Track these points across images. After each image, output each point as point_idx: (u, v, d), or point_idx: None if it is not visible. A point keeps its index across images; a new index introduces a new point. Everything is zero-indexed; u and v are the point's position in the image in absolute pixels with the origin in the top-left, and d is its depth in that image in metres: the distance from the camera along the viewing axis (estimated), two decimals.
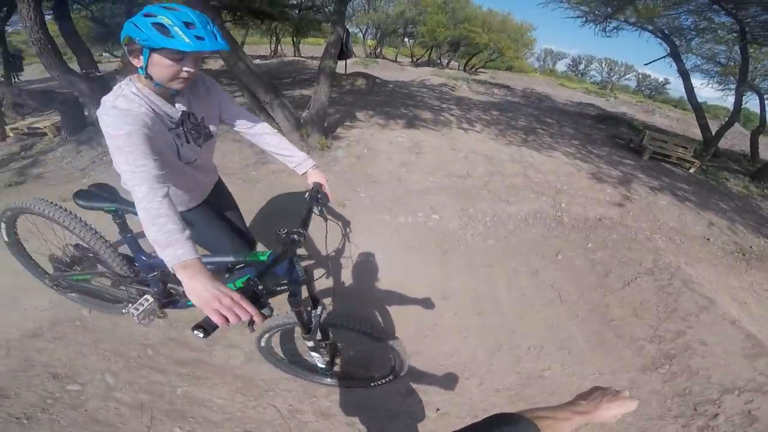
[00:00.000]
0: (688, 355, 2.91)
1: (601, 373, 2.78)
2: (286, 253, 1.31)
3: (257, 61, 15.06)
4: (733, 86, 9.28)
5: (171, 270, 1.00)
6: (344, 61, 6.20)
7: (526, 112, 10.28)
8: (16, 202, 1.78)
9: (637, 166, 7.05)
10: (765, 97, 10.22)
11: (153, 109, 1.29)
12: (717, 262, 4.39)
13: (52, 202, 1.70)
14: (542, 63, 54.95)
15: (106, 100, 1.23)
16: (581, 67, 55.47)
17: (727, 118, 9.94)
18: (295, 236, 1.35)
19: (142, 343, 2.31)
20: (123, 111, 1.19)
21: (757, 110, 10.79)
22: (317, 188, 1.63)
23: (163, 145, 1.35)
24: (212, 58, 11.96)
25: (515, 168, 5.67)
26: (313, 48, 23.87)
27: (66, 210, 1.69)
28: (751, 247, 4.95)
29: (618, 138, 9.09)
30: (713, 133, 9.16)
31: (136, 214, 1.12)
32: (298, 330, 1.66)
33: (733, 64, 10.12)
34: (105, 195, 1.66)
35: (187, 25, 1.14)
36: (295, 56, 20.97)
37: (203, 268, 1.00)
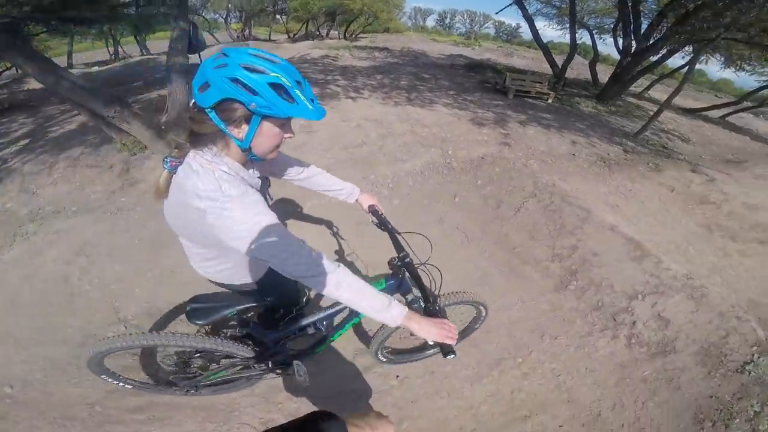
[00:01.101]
0: (587, 268, 3.28)
1: (523, 301, 3.01)
2: (409, 273, 1.42)
3: (95, 69, 12.65)
4: (568, 26, 10.66)
5: (396, 325, 1.09)
6: (197, 54, 5.45)
7: (406, 71, 10.48)
8: (94, 350, 1.49)
9: (505, 104, 7.75)
10: (594, 32, 12.01)
11: (247, 184, 1.05)
12: (585, 174, 5.07)
13: (136, 333, 1.46)
14: (414, 21, 57.11)
15: (207, 190, 0.95)
16: (447, 21, 59.02)
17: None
18: (407, 258, 1.45)
19: (84, 402, 2.12)
20: (241, 196, 0.97)
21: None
22: (375, 210, 1.69)
23: None
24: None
25: (404, 127, 5.74)
26: (163, 42, 20.86)
27: (156, 333, 1.46)
28: (608, 155, 5.88)
29: (486, 82, 9.85)
30: (560, 67, 10.48)
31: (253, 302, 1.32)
32: None
33: (565, 6, 11.57)
34: (218, 303, 1.48)
35: (298, 83, 0.94)
36: (143, 55, 18.09)
37: (415, 312, 1.13)
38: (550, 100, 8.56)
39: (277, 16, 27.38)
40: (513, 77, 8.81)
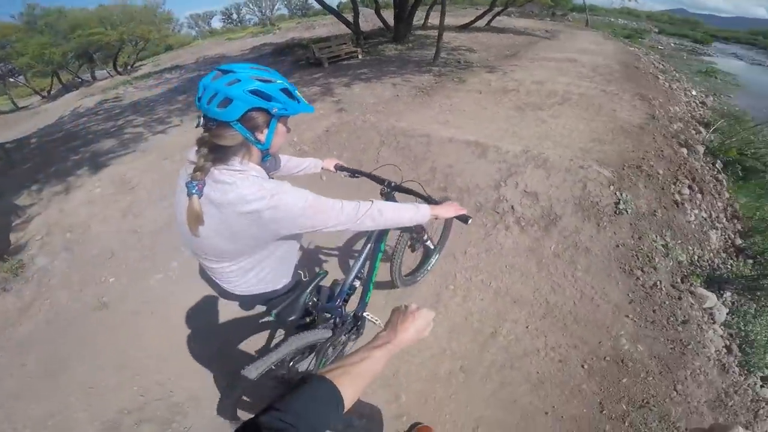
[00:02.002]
0: (451, 180, 3.46)
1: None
2: (400, 191, 1.70)
3: None
4: None
5: (428, 219, 1.37)
6: None
7: None
8: (235, 389, 1.39)
9: (326, 74, 7.68)
10: None
11: None
12: (412, 107, 5.38)
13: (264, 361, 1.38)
14: (198, 28, 52.17)
15: (253, 193, 1.00)
16: (235, 16, 55.64)
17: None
18: (392, 183, 1.71)
19: None
20: (280, 186, 1.04)
21: None
22: (342, 166, 1.83)
23: None
24: None
25: None
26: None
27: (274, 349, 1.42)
28: (423, 84, 6.39)
29: (299, 61, 9.62)
30: (354, 23, 10.85)
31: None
32: None
33: None
34: (293, 295, 1.45)
35: (294, 87, 1.09)
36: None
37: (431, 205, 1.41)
38: (360, 56, 8.83)
39: (12, 79, 21.24)
40: (319, 47, 8.79)
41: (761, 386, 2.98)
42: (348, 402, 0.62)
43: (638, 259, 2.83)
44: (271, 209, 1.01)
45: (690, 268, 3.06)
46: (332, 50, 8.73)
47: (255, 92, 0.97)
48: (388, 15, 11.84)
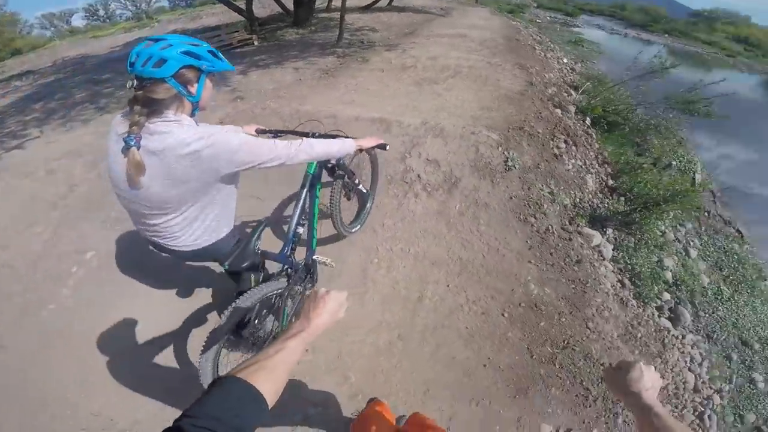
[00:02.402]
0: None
1: None
2: (325, 137, 1.78)
3: None
4: None
5: (354, 150, 1.58)
6: None
7: (74, 82, 7.99)
8: (208, 351, 1.40)
9: None
10: None
11: None
12: (317, 89, 5.22)
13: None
14: (54, 28, 44.01)
15: (191, 135, 1.12)
16: (103, 12, 47.82)
17: None
18: (316, 133, 1.84)
19: None
20: (217, 127, 1.21)
21: None
22: (262, 129, 1.89)
23: None
24: None
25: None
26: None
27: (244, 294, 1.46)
28: (327, 66, 6.23)
29: None
30: (246, 10, 10.05)
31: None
32: None
33: None
34: (243, 242, 1.58)
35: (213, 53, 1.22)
36: None
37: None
38: (256, 43, 8.26)
39: None
40: (206, 37, 8.02)
41: (659, 316, 3.46)
42: (270, 397, 0.61)
43: (530, 207, 3.16)
44: (210, 147, 1.12)
45: (574, 210, 3.52)
46: (222, 39, 8.04)
47: (187, 53, 1.11)
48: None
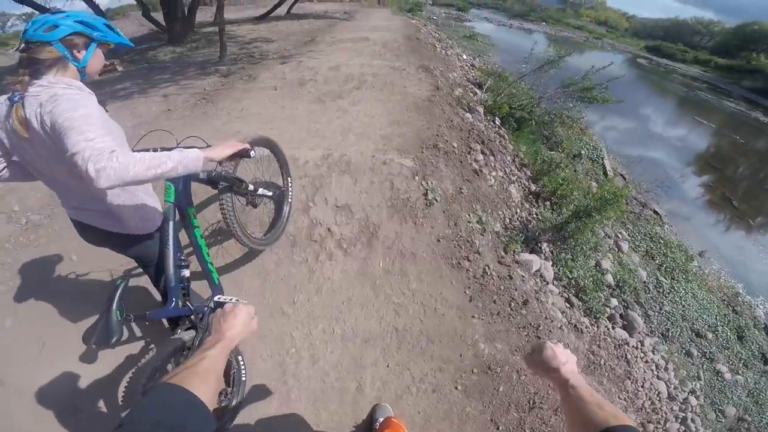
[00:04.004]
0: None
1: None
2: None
3: None
4: None
5: (201, 161, 1.19)
6: None
7: None
8: None
9: None
10: None
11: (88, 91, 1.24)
12: (191, 120, 4.08)
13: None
14: None
15: (63, 88, 1.14)
16: None
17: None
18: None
19: None
20: (88, 93, 1.21)
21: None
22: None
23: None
24: None
25: None
26: None
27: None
28: (206, 89, 5.06)
29: None
30: None
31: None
32: None
33: None
34: None
35: (108, 26, 1.25)
36: None
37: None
38: (120, 68, 6.64)
39: None
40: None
41: (613, 327, 3.25)
42: (207, 400, 0.57)
43: (461, 247, 2.58)
44: (67, 99, 1.08)
45: (507, 234, 3.03)
46: None
47: (81, 22, 1.16)
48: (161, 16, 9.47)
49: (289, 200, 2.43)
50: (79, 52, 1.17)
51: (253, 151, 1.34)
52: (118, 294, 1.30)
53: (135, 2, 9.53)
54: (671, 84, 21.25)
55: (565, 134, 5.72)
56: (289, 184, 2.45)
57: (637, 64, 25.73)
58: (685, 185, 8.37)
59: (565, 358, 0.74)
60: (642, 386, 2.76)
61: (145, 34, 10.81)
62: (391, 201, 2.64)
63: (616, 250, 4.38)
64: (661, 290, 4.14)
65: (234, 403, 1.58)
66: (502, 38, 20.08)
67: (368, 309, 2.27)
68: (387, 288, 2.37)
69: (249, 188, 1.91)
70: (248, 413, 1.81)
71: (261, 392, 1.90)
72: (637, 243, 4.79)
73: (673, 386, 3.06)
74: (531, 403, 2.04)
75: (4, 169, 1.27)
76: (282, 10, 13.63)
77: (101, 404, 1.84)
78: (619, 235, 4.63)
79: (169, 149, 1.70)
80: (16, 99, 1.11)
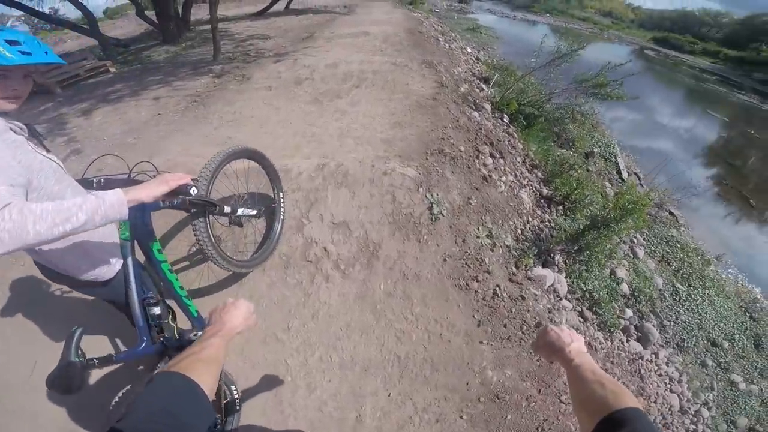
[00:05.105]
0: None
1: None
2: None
3: None
4: None
5: (125, 206, 0.96)
6: None
7: None
8: None
9: (57, 104, 5.20)
10: None
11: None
12: (181, 125, 3.83)
13: None
14: None
15: None
16: None
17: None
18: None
19: None
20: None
21: None
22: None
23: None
24: None
25: None
26: None
27: None
28: (197, 90, 4.79)
29: None
30: (93, 32, 7.93)
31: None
32: None
33: None
34: None
35: (11, 42, 0.98)
36: None
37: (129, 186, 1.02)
38: (113, 69, 6.41)
39: None
40: (43, 69, 5.99)
41: (627, 340, 3.05)
42: (209, 390, 0.57)
43: (469, 266, 2.31)
44: None
45: (518, 247, 2.75)
46: (65, 71, 6.08)
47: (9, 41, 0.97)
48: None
49: (281, 216, 2.24)
50: None
51: (194, 188, 1.12)
52: (74, 341, 1.23)
53: (129, 1, 9.25)
54: (681, 76, 20.61)
55: (576, 131, 5.38)
56: (281, 199, 2.25)
57: (644, 55, 25.01)
58: (700, 183, 8.01)
59: (569, 339, 0.74)
60: (655, 401, 2.67)
61: (143, 33, 10.56)
62: (392, 216, 2.36)
63: (632, 256, 4.11)
64: (677, 298, 3.91)
65: None
66: (505, 30, 19.54)
67: (368, 335, 2.07)
68: (388, 313, 2.15)
69: (226, 210, 1.72)
70: None
71: (256, 422, 1.78)
72: (653, 248, 4.50)
73: (686, 399, 2.96)
74: (540, 430, 1.90)
75: None
76: (280, 6, 13.28)
77: (96, 426, 1.76)
78: (635, 240, 4.34)
79: (120, 177, 1.47)
80: None
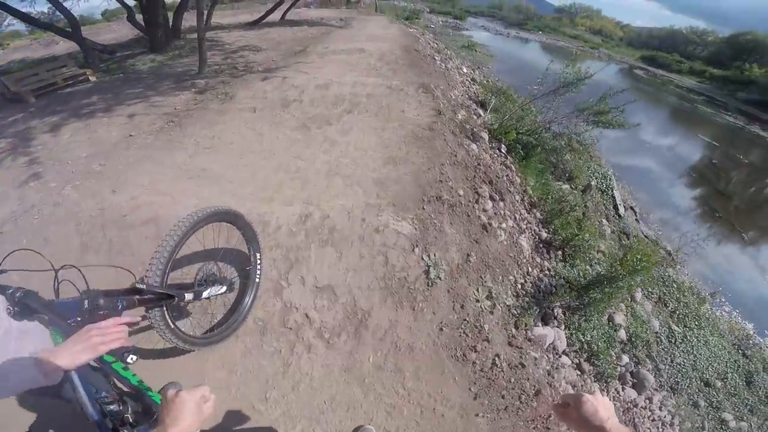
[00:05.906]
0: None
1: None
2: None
3: None
4: None
5: (50, 374, 0.87)
6: None
7: None
8: None
9: (28, 115, 4.80)
10: None
11: None
12: (152, 151, 3.48)
13: None
14: None
15: None
16: None
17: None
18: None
19: None
20: None
21: None
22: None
23: None
24: None
25: None
26: None
27: None
28: (176, 108, 4.45)
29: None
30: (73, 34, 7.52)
31: None
32: None
33: None
34: None
35: None
36: None
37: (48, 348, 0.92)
38: (93, 78, 6.02)
39: None
40: (19, 76, 5.63)
41: (623, 388, 2.85)
42: None
43: (467, 335, 2.03)
44: None
45: (518, 305, 2.47)
46: (42, 78, 5.68)
47: None
48: None
49: (257, 280, 1.96)
50: None
51: (132, 356, 0.99)
52: None
53: (120, 5, 8.85)
54: (669, 96, 20.94)
55: (573, 161, 5.18)
56: (258, 262, 1.96)
57: (634, 75, 25.43)
58: (691, 213, 7.93)
59: (606, 413, 0.69)
60: None
61: (132, 39, 10.15)
62: (384, 281, 2.07)
63: (629, 299, 3.92)
64: (673, 340, 3.83)
65: None
66: (500, 48, 19.62)
67: (355, 410, 1.82)
68: (378, 387, 1.87)
69: (187, 298, 1.54)
70: None
71: None
72: (650, 289, 4.33)
73: None
74: None
75: None
76: (276, 16, 13.03)
77: None
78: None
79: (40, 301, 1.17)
80: None
